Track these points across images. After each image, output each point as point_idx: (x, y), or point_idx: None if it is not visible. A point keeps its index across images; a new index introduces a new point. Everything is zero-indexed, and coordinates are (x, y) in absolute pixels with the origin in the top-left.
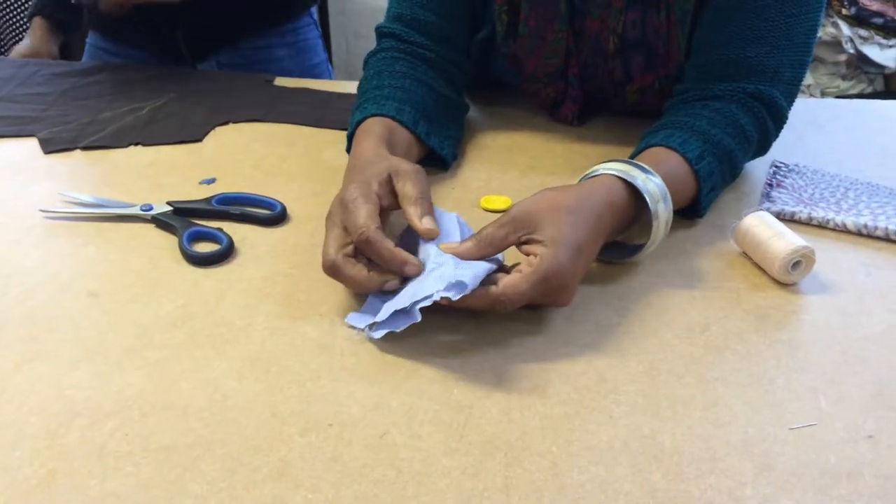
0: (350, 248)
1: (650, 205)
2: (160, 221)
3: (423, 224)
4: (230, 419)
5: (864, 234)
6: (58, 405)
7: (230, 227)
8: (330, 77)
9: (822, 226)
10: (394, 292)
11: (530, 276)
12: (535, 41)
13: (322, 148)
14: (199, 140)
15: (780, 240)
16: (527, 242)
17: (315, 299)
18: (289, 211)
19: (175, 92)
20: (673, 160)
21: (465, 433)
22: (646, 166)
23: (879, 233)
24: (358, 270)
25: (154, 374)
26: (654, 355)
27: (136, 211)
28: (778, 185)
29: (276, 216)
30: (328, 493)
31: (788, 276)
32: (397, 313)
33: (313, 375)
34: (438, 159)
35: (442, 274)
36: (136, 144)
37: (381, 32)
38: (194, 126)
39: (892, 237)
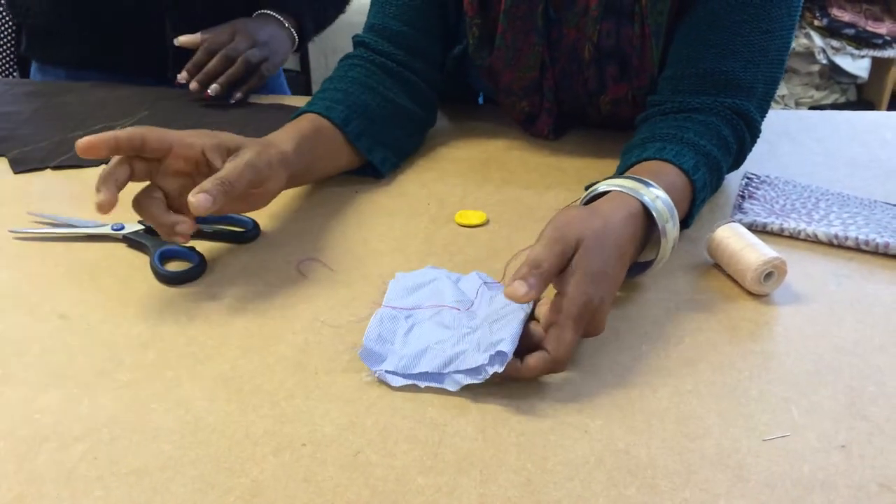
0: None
1: (658, 223)
2: (131, 241)
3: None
4: (202, 440)
5: (835, 245)
6: (26, 429)
7: (202, 246)
8: (285, 88)
9: (793, 236)
10: (405, 331)
11: (567, 324)
12: (512, 54)
13: None
14: None
15: (752, 251)
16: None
17: (289, 317)
18: (262, 228)
19: (147, 110)
20: (670, 172)
21: (439, 451)
22: (650, 181)
23: (850, 243)
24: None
25: (124, 396)
26: (628, 368)
27: (107, 230)
28: (750, 197)
29: (249, 234)
30: None
31: (761, 287)
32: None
33: (287, 395)
34: (372, 167)
35: (480, 340)
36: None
37: (354, 42)
38: None
39: (863, 247)
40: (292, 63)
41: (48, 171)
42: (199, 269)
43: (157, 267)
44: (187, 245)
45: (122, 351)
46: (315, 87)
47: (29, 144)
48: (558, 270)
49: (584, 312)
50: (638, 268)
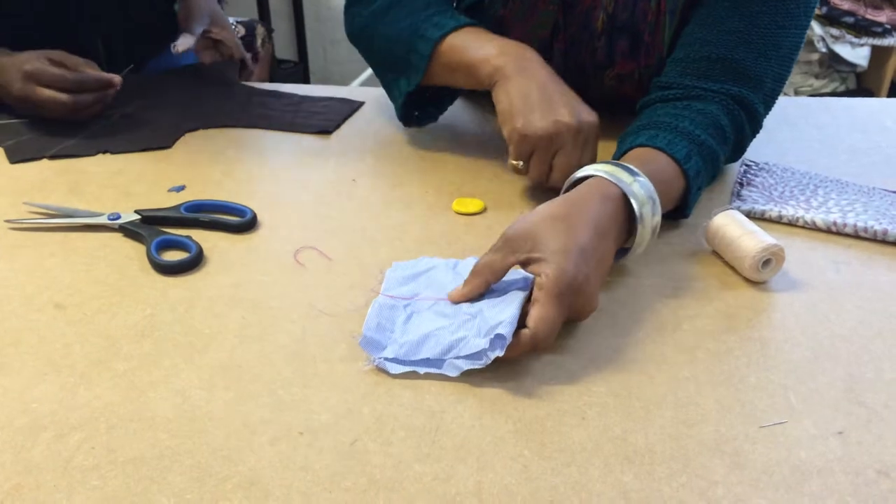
0: None
1: (635, 208)
2: (128, 230)
3: None
4: (199, 429)
5: (834, 232)
6: (23, 419)
7: (199, 235)
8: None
9: (791, 223)
10: (407, 321)
11: (548, 301)
12: (527, 8)
13: (294, 153)
14: (169, 147)
15: (750, 238)
16: (528, 262)
17: (286, 306)
18: (259, 217)
19: (144, 99)
20: (660, 160)
21: (436, 438)
22: (632, 167)
23: (848, 230)
24: None
25: (121, 385)
26: (626, 355)
27: (103, 220)
28: (748, 184)
29: (246, 223)
30: (298, 503)
31: (759, 275)
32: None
33: (284, 383)
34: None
35: (480, 326)
36: (104, 152)
37: None
38: (164, 133)
39: (861, 234)
40: (290, 53)
41: (44, 161)
42: (196, 258)
43: (154, 256)
44: (184, 235)
45: (118, 340)
46: (314, 78)
47: (24, 134)
48: (502, 265)
49: (566, 289)
50: (618, 253)
